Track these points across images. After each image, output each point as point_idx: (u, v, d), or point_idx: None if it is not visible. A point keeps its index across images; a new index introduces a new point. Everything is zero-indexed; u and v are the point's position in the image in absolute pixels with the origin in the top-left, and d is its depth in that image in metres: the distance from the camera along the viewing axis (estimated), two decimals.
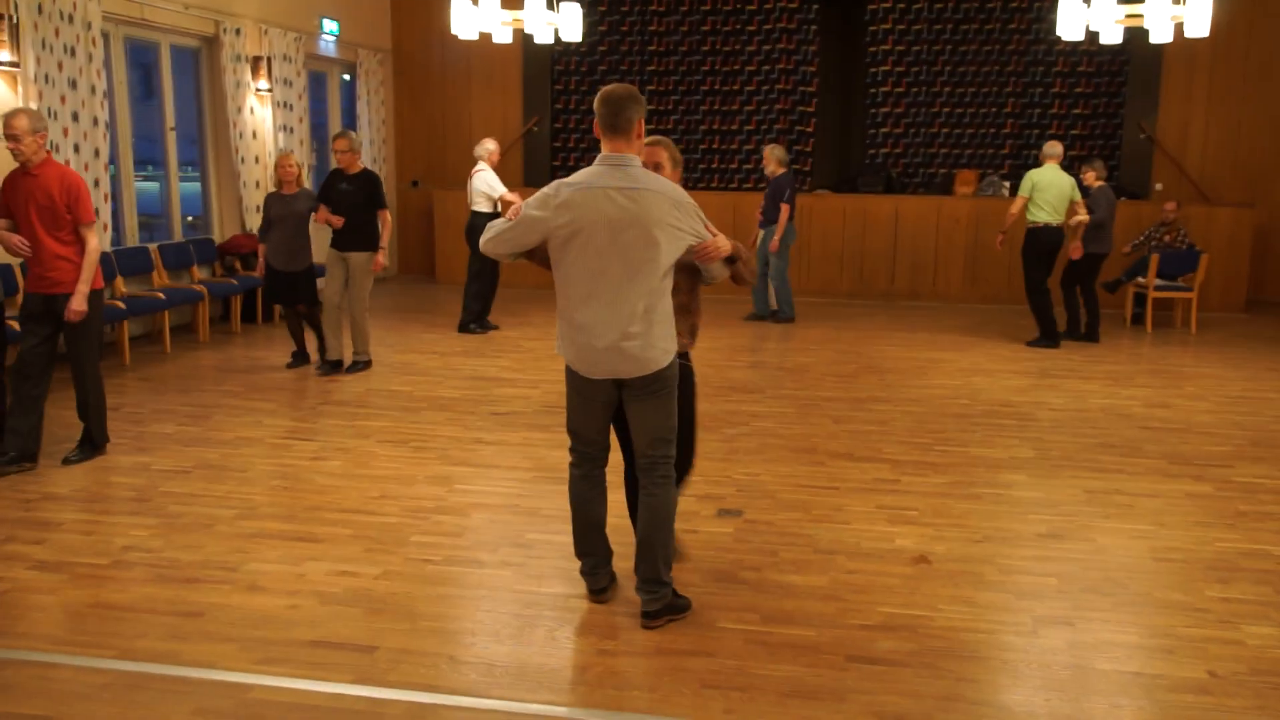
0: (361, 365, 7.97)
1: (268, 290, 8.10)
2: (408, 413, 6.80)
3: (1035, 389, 7.69)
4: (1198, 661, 3.60)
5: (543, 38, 9.14)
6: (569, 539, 4.59)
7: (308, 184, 10.67)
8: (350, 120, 12.74)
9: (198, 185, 10.44)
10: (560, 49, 13.27)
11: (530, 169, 13.49)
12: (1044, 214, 9.13)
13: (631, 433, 3.77)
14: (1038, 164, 9.43)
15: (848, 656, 3.58)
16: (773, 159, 10.18)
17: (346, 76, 12.84)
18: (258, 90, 10.33)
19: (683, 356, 3.89)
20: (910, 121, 12.84)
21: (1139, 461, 5.94)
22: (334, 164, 7.84)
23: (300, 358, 8.10)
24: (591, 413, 3.77)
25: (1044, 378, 8.09)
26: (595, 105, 3.61)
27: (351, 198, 7.64)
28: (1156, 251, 10.25)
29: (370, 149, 12.69)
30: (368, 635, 3.69)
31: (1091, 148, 12.48)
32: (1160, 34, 7.99)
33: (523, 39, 12.81)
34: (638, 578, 3.82)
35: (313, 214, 7.81)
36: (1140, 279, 10.37)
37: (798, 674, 3.47)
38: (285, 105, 10.82)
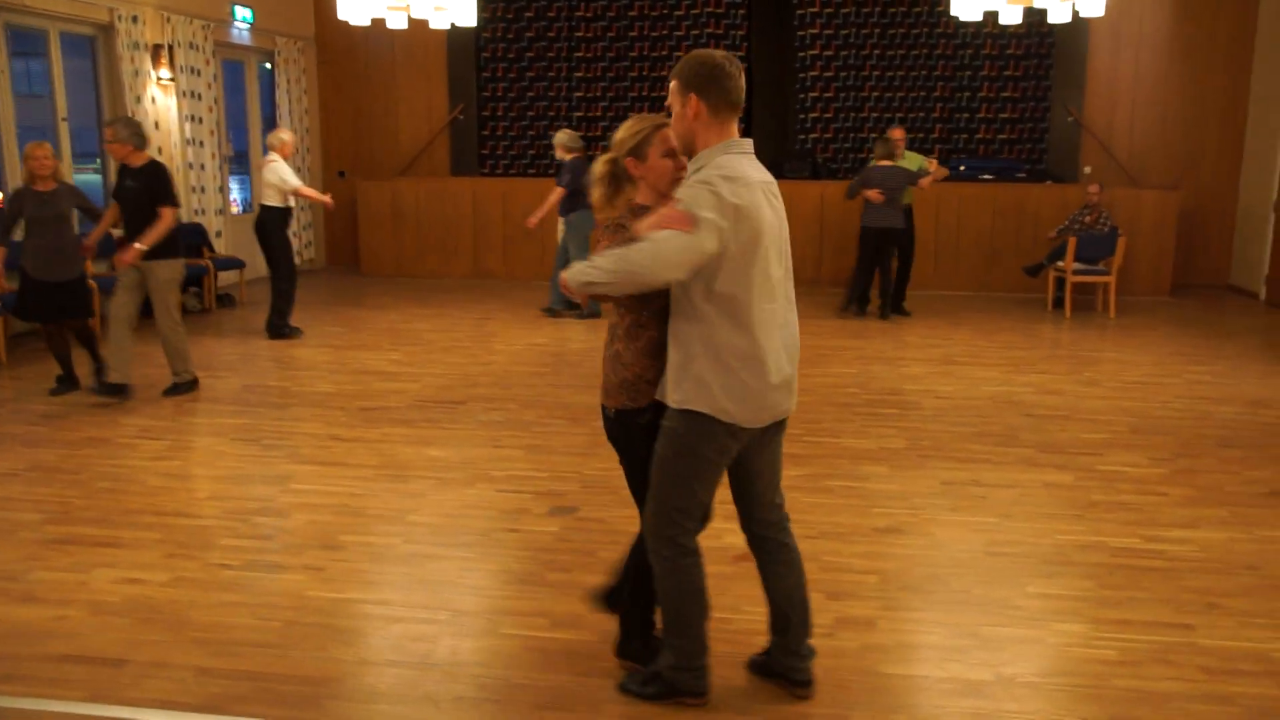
0: (184, 387, 6.90)
1: (27, 304, 6.74)
2: (274, 409, 6.61)
3: (930, 376, 7.54)
4: (989, 663, 3.44)
5: (437, 23, 8.92)
6: (384, 540, 4.46)
7: (216, 177, 10.44)
8: (269, 110, 12.50)
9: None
10: (487, 35, 13.09)
11: (457, 158, 13.28)
12: None
13: (761, 484, 3.14)
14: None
15: (623, 664, 3.41)
16: (559, 145, 9.66)
17: (268, 65, 12.58)
18: (159, 79, 10.09)
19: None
20: (839, 106, 12.66)
21: (1009, 451, 5.79)
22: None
23: (67, 383, 6.88)
24: (720, 474, 3.05)
25: (944, 364, 7.93)
26: (706, 79, 2.83)
27: (137, 196, 6.55)
28: (1075, 234, 10.11)
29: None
30: (125, 648, 3.51)
31: (1021, 131, 12.34)
32: (1057, 14, 7.81)
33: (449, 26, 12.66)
34: (786, 653, 3.25)
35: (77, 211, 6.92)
36: (1060, 263, 10.23)
37: (562, 683, 3.31)
38: (192, 95, 10.58)
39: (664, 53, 12.93)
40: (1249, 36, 11.48)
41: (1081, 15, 7.64)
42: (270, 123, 12.51)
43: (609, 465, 5.46)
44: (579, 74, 13.11)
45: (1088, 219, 10.46)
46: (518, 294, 11.25)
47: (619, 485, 5.16)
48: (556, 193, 9.46)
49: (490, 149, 13.44)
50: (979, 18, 8.01)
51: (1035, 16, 8.57)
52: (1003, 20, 8.07)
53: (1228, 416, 6.51)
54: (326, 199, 9.04)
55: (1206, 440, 6.00)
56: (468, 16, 8.68)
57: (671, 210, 2.78)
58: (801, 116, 12.75)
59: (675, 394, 2.94)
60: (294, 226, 12.43)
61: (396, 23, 8.84)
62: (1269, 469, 5.47)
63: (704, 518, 3.19)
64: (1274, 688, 3.29)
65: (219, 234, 11.01)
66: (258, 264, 11.90)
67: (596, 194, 3.06)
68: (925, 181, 9.80)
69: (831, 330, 9.28)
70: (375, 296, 11.13)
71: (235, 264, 10.79)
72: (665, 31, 12.90)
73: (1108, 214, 10.54)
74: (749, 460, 3.09)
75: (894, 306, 10.06)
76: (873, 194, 9.51)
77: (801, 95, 12.71)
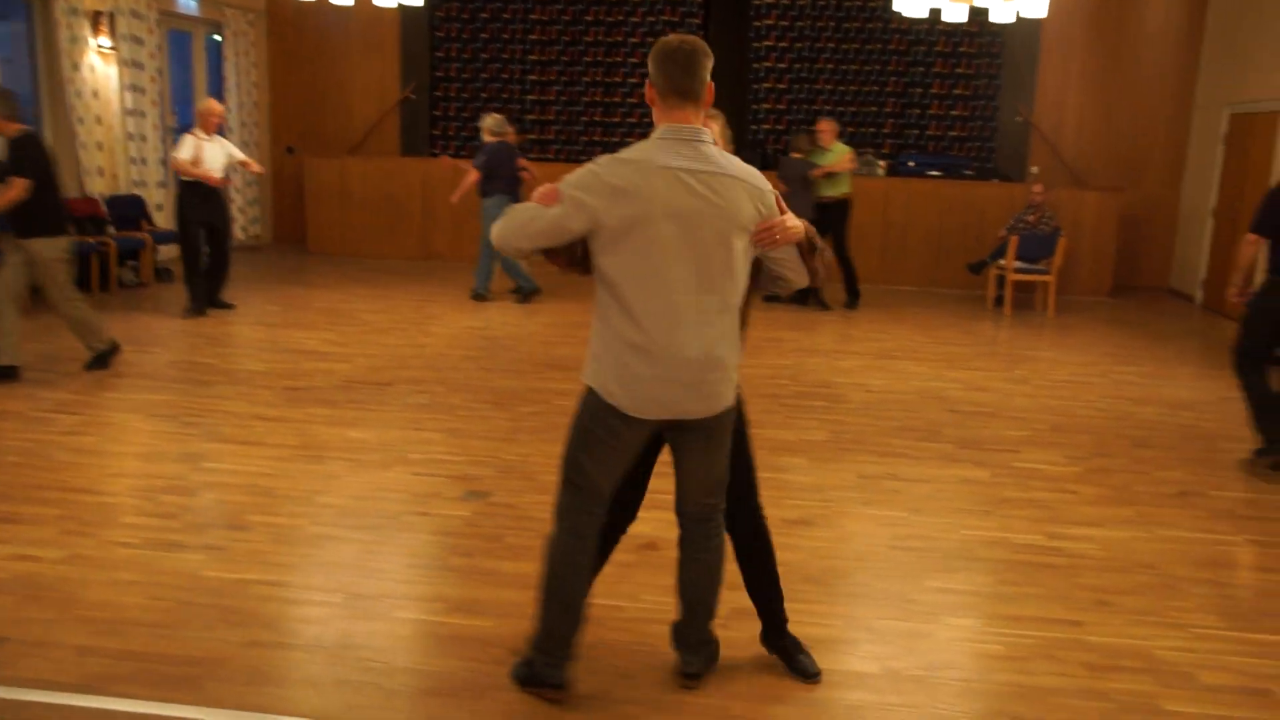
0: (103, 358, 6.75)
1: None
2: (199, 386, 6.53)
3: (863, 370, 7.58)
4: (878, 656, 3.47)
5: (384, 0, 8.84)
6: (291, 521, 4.42)
7: (158, 149, 10.29)
8: (217, 82, 12.31)
9: None
10: (441, 15, 12.98)
11: (408, 138, 13.16)
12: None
13: (690, 482, 3.09)
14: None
15: (513, 650, 3.39)
16: (484, 128, 9.61)
17: (218, 37, 12.39)
18: (99, 47, 9.90)
19: None
20: (793, 98, 12.69)
21: (929, 446, 5.83)
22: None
23: None
24: (619, 461, 2.98)
25: (879, 359, 7.98)
26: (654, 62, 2.82)
27: (9, 171, 6.25)
28: (1018, 233, 10.20)
29: (240, 113, 12.29)
30: (7, 626, 3.45)
31: (971, 129, 12.43)
32: (1000, 14, 7.86)
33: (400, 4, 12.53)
34: (682, 642, 3.27)
35: None
36: (1002, 261, 10.32)
37: (451, 668, 3.30)
38: (134, 64, 10.40)
39: (619, 38, 12.88)
40: (1196, 44, 11.62)
41: (1023, 15, 7.68)
42: (218, 95, 12.32)
43: (528, 450, 5.47)
44: (534, 56, 13.03)
45: (1031, 218, 10.56)
46: (463, 277, 11.17)
47: (535, 471, 5.18)
48: (471, 174, 9.47)
49: (442, 130, 13.34)
50: (924, 14, 8.03)
51: (981, 16, 8.60)
52: (946, 18, 8.12)
53: (1148, 417, 6.60)
54: (212, 176, 8.41)
55: (1124, 440, 6.08)
56: None
57: (549, 186, 2.83)
58: (755, 107, 12.75)
59: (586, 365, 2.99)
60: (239, 202, 12.35)
61: None
62: (1180, 470, 5.56)
63: (603, 501, 3.08)
64: (1151, 684, 3.35)
65: (160, 207, 10.85)
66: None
67: None
68: (816, 173, 9.77)
69: (771, 322, 9.30)
70: (319, 275, 11.02)
71: (174, 237, 10.61)
72: (621, 17, 12.84)
73: (1051, 214, 10.65)
74: (675, 455, 3.07)
75: (847, 300, 10.28)
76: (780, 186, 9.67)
77: (755, 86, 12.72)
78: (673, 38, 2.86)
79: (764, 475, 5.22)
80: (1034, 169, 12.02)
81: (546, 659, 3.09)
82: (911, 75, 12.48)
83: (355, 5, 12.12)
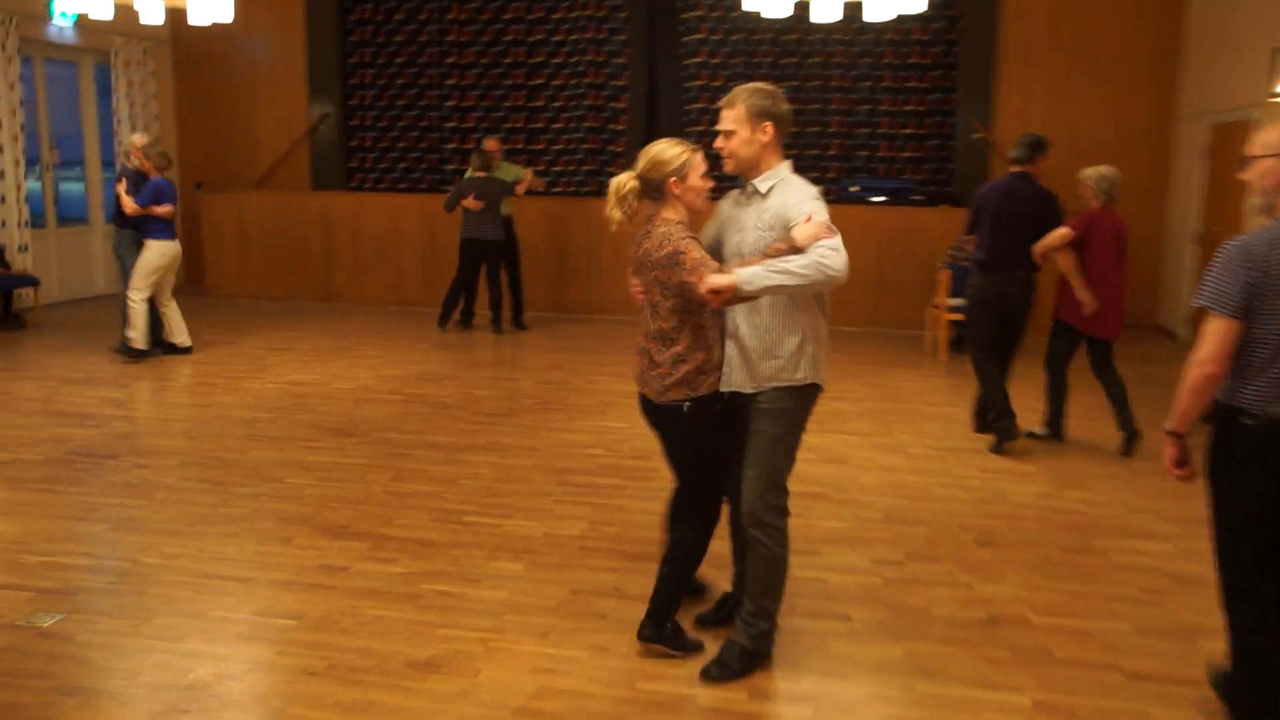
0: None
1: None
2: None
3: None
4: None
5: (149, 18, 8.05)
6: None
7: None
8: (106, 115, 11.56)
9: None
10: (354, 40, 12.13)
11: (320, 169, 12.25)
12: None
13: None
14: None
15: None
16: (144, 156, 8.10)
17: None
18: None
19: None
20: None
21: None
22: None
23: None
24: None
25: None
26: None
27: None
28: (950, 266, 8.87)
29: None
30: None
31: (928, 149, 11.13)
32: (873, 12, 6.63)
33: (306, 27, 11.78)
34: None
35: None
36: (937, 300, 8.99)
37: None
38: None
39: (541, 59, 11.86)
40: (1173, 50, 10.21)
41: (902, 14, 6.46)
42: (109, 129, 11.58)
43: (186, 549, 4.45)
44: (451, 81, 12.08)
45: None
46: (354, 320, 10.22)
47: (168, 579, 4.13)
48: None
49: (359, 162, 12.43)
50: (790, 12, 6.82)
51: (855, 13, 7.37)
52: (814, 18, 6.89)
53: (1021, 500, 5.27)
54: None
55: (967, 534, 4.77)
56: (221, 11, 7.67)
57: (819, 223, 3.08)
58: (688, 130, 11.59)
59: None
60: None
61: (101, 13, 7.86)
62: (1011, 582, 4.24)
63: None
64: None
65: (23, 248, 10.08)
66: (53, 283, 10.92)
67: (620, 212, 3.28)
68: (520, 188, 9.52)
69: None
70: (188, 321, 10.09)
71: (28, 282, 9.81)
72: (542, 36, 11.84)
73: None
74: None
75: (514, 320, 9.81)
76: (469, 202, 9.16)
77: (687, 107, 11.58)
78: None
79: (444, 590, 4.08)
80: None
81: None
82: (859, 91, 11.22)
83: (260, 29, 11.42)
